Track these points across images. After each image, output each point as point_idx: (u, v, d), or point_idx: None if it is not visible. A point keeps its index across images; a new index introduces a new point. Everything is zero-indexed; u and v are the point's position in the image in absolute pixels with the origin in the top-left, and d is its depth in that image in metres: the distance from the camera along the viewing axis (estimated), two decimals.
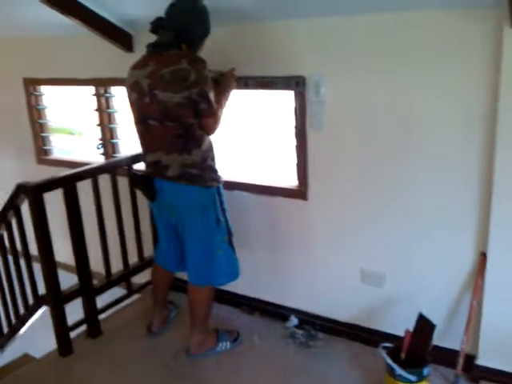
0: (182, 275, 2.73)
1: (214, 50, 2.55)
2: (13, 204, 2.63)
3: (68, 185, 2.64)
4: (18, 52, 3.80)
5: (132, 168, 2.93)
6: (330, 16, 2.37)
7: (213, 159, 2.41)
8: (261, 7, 2.42)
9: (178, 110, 2.20)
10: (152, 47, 2.31)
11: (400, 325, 2.33)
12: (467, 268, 2.34)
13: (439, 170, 2.31)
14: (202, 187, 2.35)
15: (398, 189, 2.43)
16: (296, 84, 2.53)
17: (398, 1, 2.11)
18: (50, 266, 2.60)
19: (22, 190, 2.55)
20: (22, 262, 2.78)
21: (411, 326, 2.27)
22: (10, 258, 2.88)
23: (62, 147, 4.23)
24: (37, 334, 3.18)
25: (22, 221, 2.67)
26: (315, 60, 2.49)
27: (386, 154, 2.42)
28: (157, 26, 2.29)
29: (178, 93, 2.17)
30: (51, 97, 3.97)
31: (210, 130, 2.34)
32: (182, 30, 2.24)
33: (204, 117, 2.25)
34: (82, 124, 4.05)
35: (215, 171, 2.41)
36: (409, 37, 2.22)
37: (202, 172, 2.33)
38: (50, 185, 2.59)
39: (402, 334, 2.28)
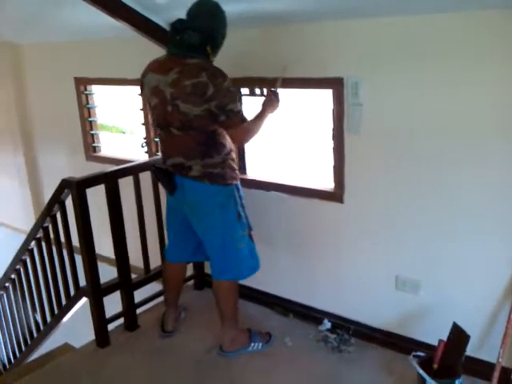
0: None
1: (253, 53, 2.58)
2: (57, 198, 2.75)
3: (110, 181, 2.73)
4: (70, 54, 3.96)
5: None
6: (370, 18, 2.34)
7: (233, 159, 2.46)
8: (303, 10, 2.42)
9: (199, 121, 2.25)
10: (176, 49, 2.30)
11: (434, 334, 2.29)
12: (506, 279, 2.25)
13: (478, 180, 2.24)
14: (223, 185, 2.39)
15: (435, 196, 2.37)
16: (334, 85, 2.52)
17: (437, 2, 2.06)
18: (91, 259, 2.70)
19: (66, 185, 2.66)
20: (66, 254, 2.89)
21: (445, 336, 2.22)
22: (55, 250, 3.00)
23: (113, 145, 4.39)
24: (77, 325, 3.31)
25: (66, 214, 2.78)
26: (354, 62, 2.46)
27: (423, 160, 2.36)
28: (179, 28, 2.26)
29: (197, 106, 2.21)
30: (102, 96, 4.11)
31: (237, 140, 2.40)
32: (208, 32, 2.25)
33: (227, 128, 2.30)
34: (131, 123, 4.18)
35: (235, 170, 2.46)
36: (449, 39, 2.16)
37: (224, 171, 2.38)
38: (93, 181, 2.68)
39: (435, 342, 2.23)
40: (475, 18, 2.07)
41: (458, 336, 2.18)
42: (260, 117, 2.44)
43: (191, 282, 3.40)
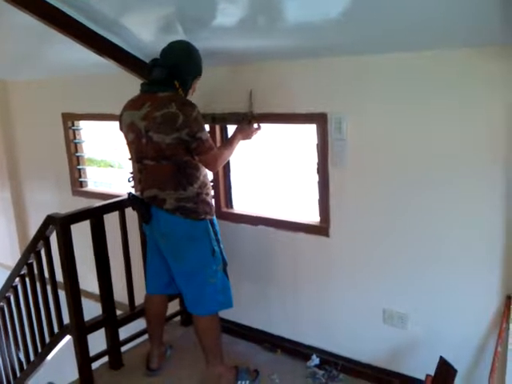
0: None
1: (238, 88, 2.63)
2: (42, 234, 2.73)
3: (95, 216, 2.72)
4: (57, 90, 4.00)
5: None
6: (352, 55, 2.40)
7: (207, 194, 2.50)
8: (288, 48, 2.48)
9: (171, 149, 2.32)
10: (148, 86, 2.43)
11: (422, 368, 2.25)
12: (492, 311, 2.25)
13: (464, 210, 2.26)
14: (195, 220, 2.43)
15: (422, 228, 2.39)
16: (317, 121, 2.56)
17: (420, 40, 2.12)
18: (75, 296, 2.65)
19: (50, 221, 2.65)
20: (50, 290, 2.85)
21: (433, 370, 2.19)
22: (39, 286, 2.96)
23: (101, 179, 4.39)
24: (61, 363, 3.24)
25: (50, 250, 2.75)
26: (337, 98, 2.51)
27: (409, 193, 2.39)
28: (151, 65, 2.42)
29: (169, 134, 2.29)
30: (90, 130, 4.13)
31: (210, 166, 2.48)
32: (175, 67, 2.37)
33: (198, 155, 2.38)
34: (119, 157, 4.20)
35: (209, 204, 2.50)
36: (431, 75, 2.22)
37: (196, 206, 2.42)
38: (78, 217, 2.67)
39: (423, 377, 2.20)
40: (448, 56, 2.15)
41: (446, 370, 2.16)
42: (231, 142, 2.58)
43: (177, 319, 3.35)
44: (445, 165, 2.27)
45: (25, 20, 2.65)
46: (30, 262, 2.96)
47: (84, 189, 4.12)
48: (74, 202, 4.02)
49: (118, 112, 3.39)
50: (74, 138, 4.06)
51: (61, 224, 2.56)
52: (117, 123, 3.68)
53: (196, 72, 2.47)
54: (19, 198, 4.70)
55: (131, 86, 2.88)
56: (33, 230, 4.60)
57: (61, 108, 4.01)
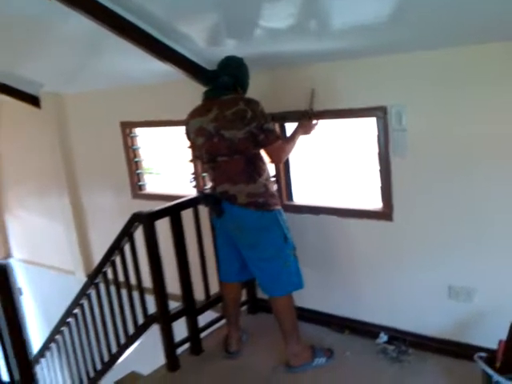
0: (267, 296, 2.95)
1: (295, 88, 2.94)
2: (127, 231, 2.97)
3: (174, 213, 2.96)
4: (116, 99, 4.24)
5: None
6: (406, 52, 2.60)
7: (272, 187, 2.77)
8: (342, 49, 2.69)
9: (243, 143, 2.57)
10: (212, 92, 2.71)
11: (492, 337, 2.42)
12: None
13: None
14: (267, 211, 2.68)
15: (486, 207, 2.58)
16: (378, 114, 2.77)
17: (476, 34, 2.32)
18: (160, 287, 2.90)
19: (136, 219, 2.89)
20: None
21: (504, 337, 2.37)
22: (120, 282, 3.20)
23: (155, 183, 4.63)
24: (140, 354, 3.47)
25: (134, 246, 3.00)
26: (395, 91, 2.71)
27: (470, 178, 2.58)
28: (211, 76, 2.76)
29: (240, 129, 2.55)
30: (144, 137, 4.39)
31: (275, 157, 2.73)
32: (238, 77, 2.72)
33: (265, 146, 2.63)
34: (160, 164, 4.52)
35: (276, 197, 2.77)
36: (488, 68, 2.41)
37: (266, 200, 2.67)
38: (160, 213, 2.91)
39: (494, 346, 2.37)
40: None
41: None
42: (293, 137, 2.85)
43: (244, 307, 3.57)
44: (507, 153, 2.46)
45: (81, 31, 2.91)
46: (112, 259, 3.20)
47: (143, 192, 4.37)
48: (135, 204, 4.25)
49: (175, 118, 3.67)
50: (132, 144, 4.30)
51: (147, 220, 2.81)
52: (171, 129, 3.98)
53: (248, 81, 2.80)
54: (78, 204, 4.94)
55: (186, 93, 3.17)
56: (93, 234, 4.92)
57: (119, 117, 4.26)
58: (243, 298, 3.44)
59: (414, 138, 2.70)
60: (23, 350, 2.48)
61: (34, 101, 4.77)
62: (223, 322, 3.37)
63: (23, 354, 2.49)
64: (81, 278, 4.84)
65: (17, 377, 2.49)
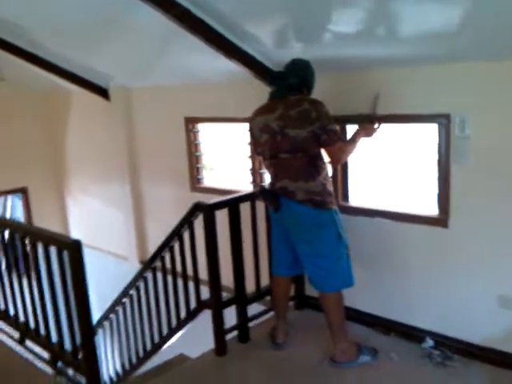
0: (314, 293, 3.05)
1: (359, 93, 3.03)
2: (188, 219, 3.13)
3: (233, 205, 3.10)
4: (181, 95, 4.44)
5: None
6: (471, 61, 2.64)
7: (330, 186, 2.84)
8: (407, 56, 2.77)
9: (306, 142, 2.67)
10: (278, 92, 2.80)
11: None
12: None
13: None
14: (324, 210, 2.76)
15: None
16: (441, 121, 2.81)
17: None
18: (215, 274, 3.04)
19: (197, 208, 3.04)
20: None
21: None
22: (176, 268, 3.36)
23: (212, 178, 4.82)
24: (188, 339, 3.62)
25: (193, 233, 3.15)
26: (461, 98, 2.75)
27: None
28: (278, 76, 2.87)
29: (305, 128, 2.64)
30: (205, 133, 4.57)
31: (335, 157, 2.79)
32: (305, 78, 2.81)
33: (327, 146, 2.71)
34: (217, 159, 4.68)
35: (333, 196, 2.84)
36: None
37: (323, 198, 2.76)
38: (220, 205, 3.06)
39: None
40: None
41: None
42: (354, 139, 2.88)
43: (292, 303, 3.66)
44: None
45: (152, 27, 3.08)
46: (171, 244, 3.36)
47: (201, 185, 4.54)
48: (193, 197, 4.41)
49: (238, 115, 3.82)
50: (195, 139, 4.49)
51: (208, 210, 2.96)
52: (235, 125, 4.13)
53: (313, 83, 2.88)
54: (138, 193, 5.18)
55: (249, 92, 3.29)
56: (150, 223, 5.14)
57: (183, 112, 4.45)
58: (291, 293, 3.54)
59: (477, 147, 2.73)
60: (87, 320, 2.66)
61: (103, 93, 5.06)
62: (271, 314, 3.48)
63: (87, 324, 2.67)
64: (134, 265, 5.07)
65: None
